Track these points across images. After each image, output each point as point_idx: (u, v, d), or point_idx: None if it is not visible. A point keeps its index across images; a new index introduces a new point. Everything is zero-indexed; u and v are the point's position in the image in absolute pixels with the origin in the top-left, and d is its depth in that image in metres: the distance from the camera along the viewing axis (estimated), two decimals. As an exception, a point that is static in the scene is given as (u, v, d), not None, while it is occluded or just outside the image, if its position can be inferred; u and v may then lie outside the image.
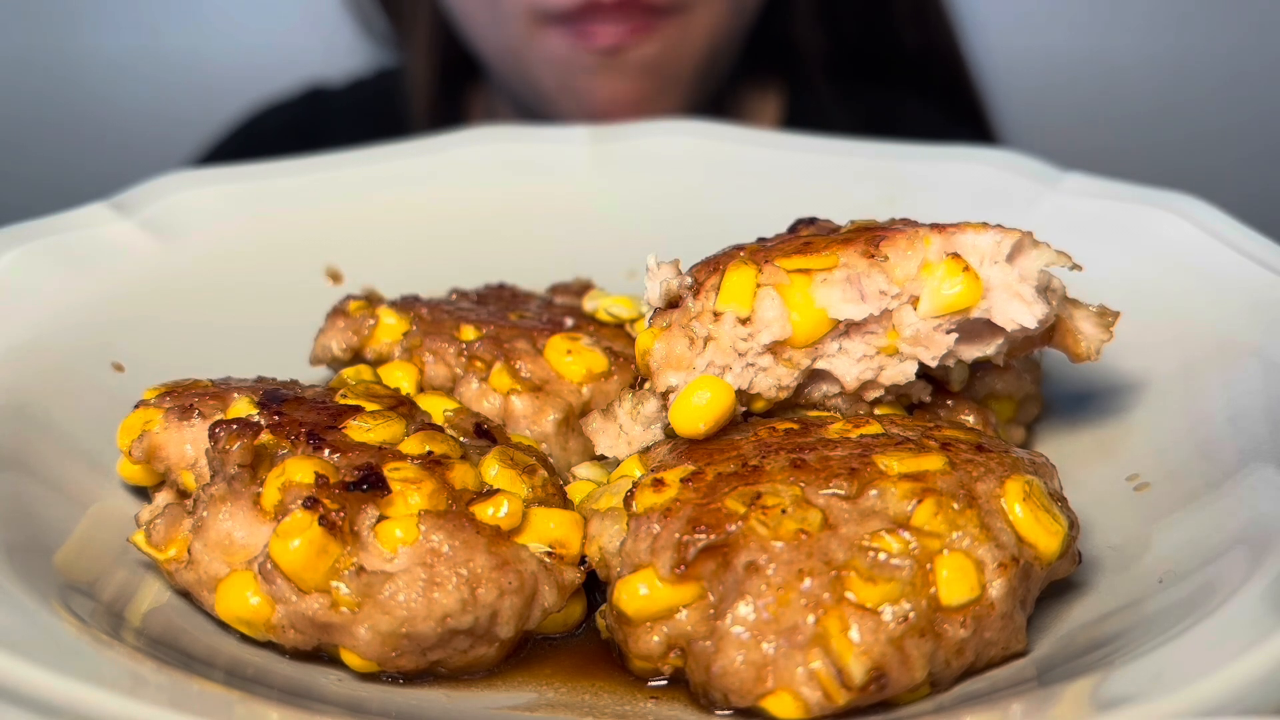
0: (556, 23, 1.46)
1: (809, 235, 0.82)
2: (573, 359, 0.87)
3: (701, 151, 1.16)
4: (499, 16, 1.51)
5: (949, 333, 0.78)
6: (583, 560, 0.74)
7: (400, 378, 0.87)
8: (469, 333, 0.89)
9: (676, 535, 0.68)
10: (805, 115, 1.67)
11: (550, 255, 1.09)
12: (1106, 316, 0.81)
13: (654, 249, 0.81)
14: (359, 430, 0.75)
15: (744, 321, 0.77)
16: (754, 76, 1.73)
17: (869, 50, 1.77)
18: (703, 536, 0.67)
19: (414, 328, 0.90)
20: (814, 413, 0.80)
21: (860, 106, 1.70)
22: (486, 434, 0.80)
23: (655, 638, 0.68)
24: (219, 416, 0.78)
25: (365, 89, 1.85)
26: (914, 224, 0.80)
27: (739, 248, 0.81)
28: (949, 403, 0.85)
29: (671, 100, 1.52)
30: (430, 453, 0.74)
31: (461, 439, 0.78)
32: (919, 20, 1.75)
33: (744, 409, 0.79)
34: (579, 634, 0.76)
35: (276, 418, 0.75)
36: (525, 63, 1.53)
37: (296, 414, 0.76)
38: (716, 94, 1.64)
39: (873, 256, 0.77)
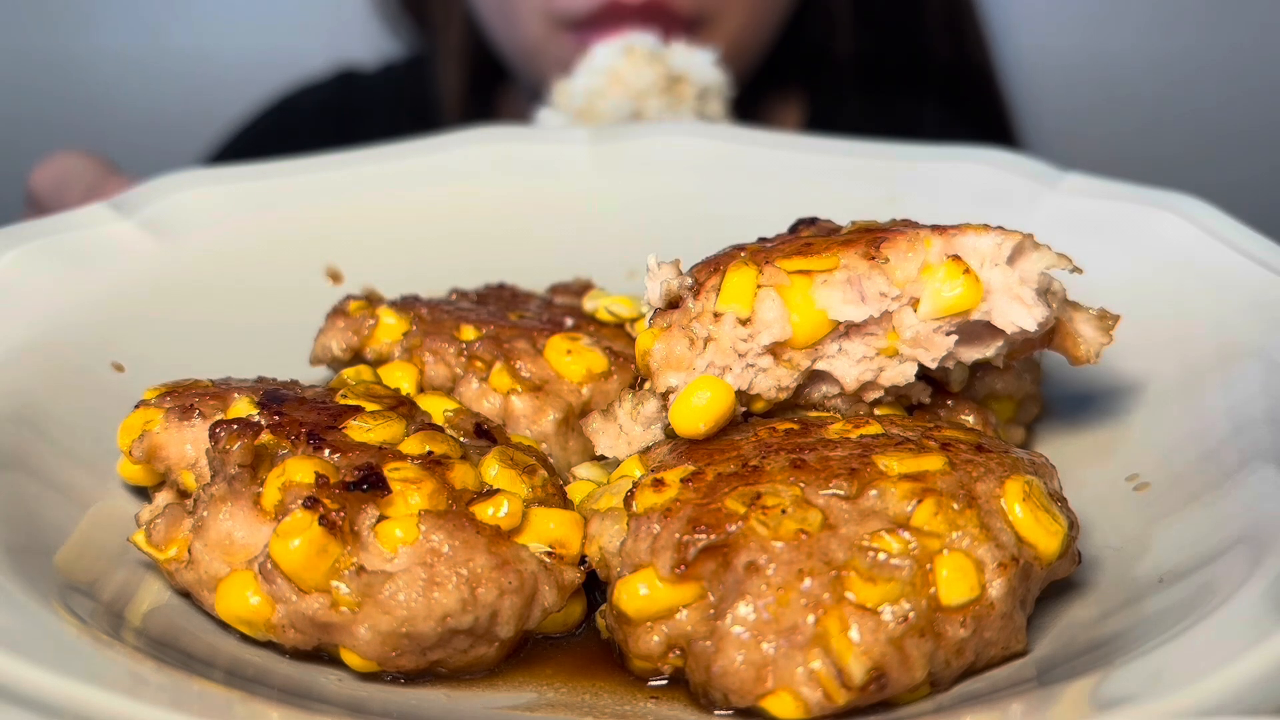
0: (570, 28, 1.45)
1: (809, 236, 0.82)
2: (573, 359, 0.87)
3: (702, 152, 1.16)
4: (514, 18, 1.50)
5: (949, 334, 0.78)
6: (583, 560, 0.74)
7: (400, 378, 0.87)
8: (469, 333, 0.89)
9: (676, 535, 0.68)
10: (828, 123, 1.67)
11: (550, 255, 1.09)
12: (1106, 320, 0.81)
13: (654, 249, 0.81)
14: (359, 430, 0.75)
15: (744, 322, 0.77)
16: (777, 84, 1.73)
17: (899, 60, 1.77)
18: (703, 536, 0.67)
19: (414, 328, 0.90)
20: (814, 413, 0.80)
21: (884, 115, 1.69)
22: (486, 434, 0.80)
23: (655, 638, 0.68)
24: (219, 416, 0.78)
25: (397, 73, 1.84)
26: (915, 225, 0.80)
27: (739, 248, 0.81)
28: (949, 403, 0.85)
29: None
30: (430, 453, 0.74)
31: (461, 439, 0.78)
32: (951, 31, 1.75)
33: (744, 409, 0.79)
34: (579, 634, 0.76)
35: (277, 418, 0.75)
36: (538, 64, 1.52)
37: (297, 414, 0.76)
38: (737, 100, 1.64)
39: (873, 258, 0.77)
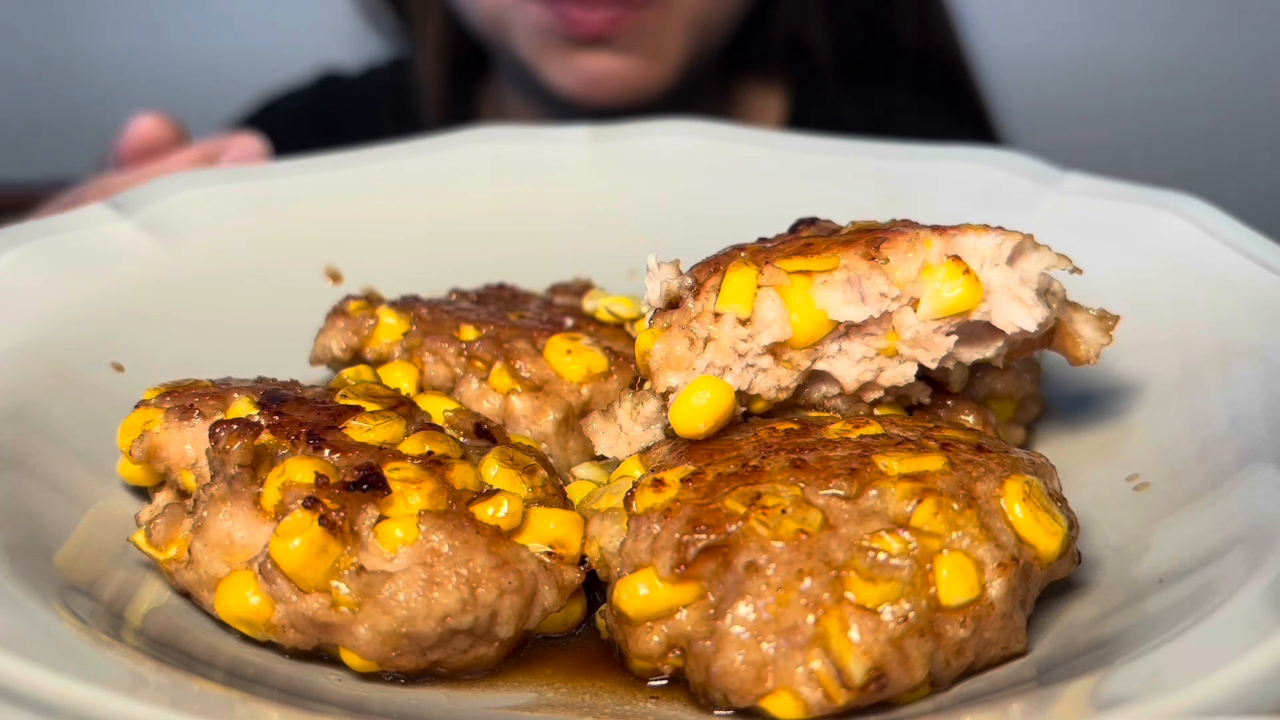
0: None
1: (809, 236, 0.82)
2: (573, 359, 0.87)
3: (702, 151, 1.16)
4: None
5: (949, 335, 0.78)
6: (583, 560, 0.74)
7: (400, 378, 0.87)
8: (469, 333, 0.89)
9: (676, 535, 0.68)
10: (809, 116, 1.68)
11: (550, 255, 1.09)
12: (1106, 320, 0.81)
13: (654, 249, 0.81)
14: (359, 430, 0.75)
15: (744, 322, 0.77)
16: (758, 76, 1.73)
17: (872, 50, 1.78)
18: (703, 536, 0.67)
19: (414, 328, 0.90)
20: (814, 413, 0.80)
21: (864, 107, 1.70)
22: (486, 434, 0.80)
23: (655, 638, 0.68)
24: (219, 416, 0.78)
25: (380, 77, 1.85)
26: (915, 226, 0.80)
27: (739, 248, 0.81)
28: (949, 403, 0.85)
29: (660, 75, 1.53)
30: (430, 453, 0.74)
31: (461, 439, 0.78)
32: (919, 19, 1.76)
33: (744, 409, 0.79)
34: (579, 634, 0.76)
35: (276, 418, 0.75)
36: (507, 32, 1.54)
37: (296, 414, 0.76)
38: (719, 92, 1.64)
39: (873, 258, 0.77)
